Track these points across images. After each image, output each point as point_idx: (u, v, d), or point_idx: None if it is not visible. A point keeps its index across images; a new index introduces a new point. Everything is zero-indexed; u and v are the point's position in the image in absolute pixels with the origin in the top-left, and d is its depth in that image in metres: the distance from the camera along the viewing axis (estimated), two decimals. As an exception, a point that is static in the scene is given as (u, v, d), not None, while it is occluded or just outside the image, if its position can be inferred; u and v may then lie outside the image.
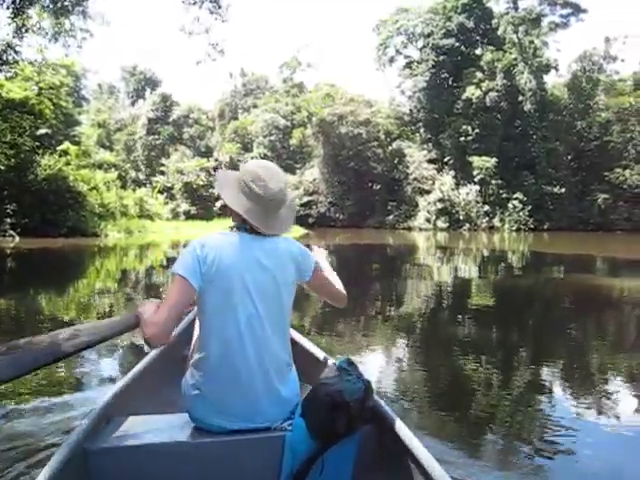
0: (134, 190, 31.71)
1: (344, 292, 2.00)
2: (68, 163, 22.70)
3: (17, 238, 18.56)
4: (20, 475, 2.29)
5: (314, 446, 1.65)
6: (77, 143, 26.26)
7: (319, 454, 1.65)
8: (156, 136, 45.53)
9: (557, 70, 40.97)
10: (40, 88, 21.02)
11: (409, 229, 37.93)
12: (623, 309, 7.39)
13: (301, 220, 34.13)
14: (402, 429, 1.68)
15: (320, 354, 2.38)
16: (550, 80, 41.37)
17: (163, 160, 41.35)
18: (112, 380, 3.66)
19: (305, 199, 40.17)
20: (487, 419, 3.13)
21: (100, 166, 28.87)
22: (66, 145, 24.16)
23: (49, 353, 1.68)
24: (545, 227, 36.65)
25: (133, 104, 52.14)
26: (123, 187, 29.98)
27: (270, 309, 1.73)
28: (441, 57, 40.88)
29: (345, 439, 1.66)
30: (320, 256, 2.14)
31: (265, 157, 42.65)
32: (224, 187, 1.83)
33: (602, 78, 41.10)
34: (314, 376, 1.94)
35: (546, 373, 4.12)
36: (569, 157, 39.40)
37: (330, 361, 2.17)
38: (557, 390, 3.75)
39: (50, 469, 1.45)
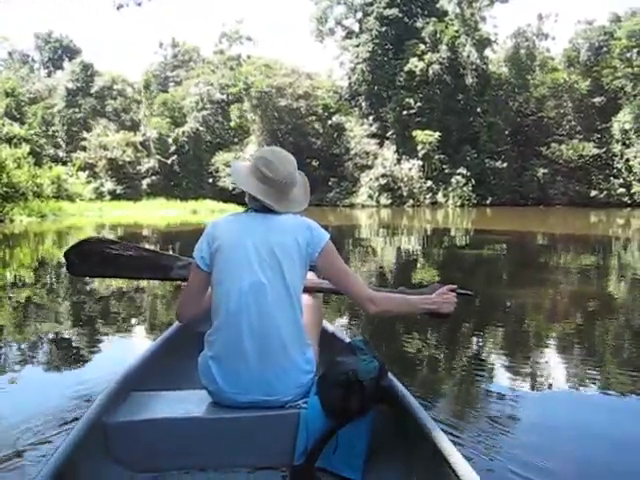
0: (51, 168, 28.74)
1: (366, 293, 1.89)
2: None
3: None
4: (40, 448, 2.22)
5: (328, 424, 1.67)
6: (-22, 114, 23.18)
7: (333, 432, 1.67)
8: (76, 109, 41.84)
9: (497, 44, 40.81)
10: None
11: (351, 206, 36.86)
12: (558, 283, 7.55)
13: (237, 198, 32.49)
14: (416, 409, 1.67)
15: (335, 333, 2.40)
16: (487, 55, 41.15)
17: (84, 134, 37.93)
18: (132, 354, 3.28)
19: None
20: (432, 388, 3.23)
21: (9, 140, 25.76)
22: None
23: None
24: (488, 202, 36.52)
25: (49, 74, 47.93)
26: (38, 164, 26.98)
27: (272, 280, 1.74)
28: (384, 28, 39.64)
29: (359, 418, 1.67)
30: None
31: (197, 132, 40.28)
32: (239, 175, 1.91)
33: (536, 54, 41.36)
34: (330, 355, 1.89)
35: (487, 343, 4.36)
36: (506, 132, 39.45)
37: (345, 340, 2.20)
38: (498, 358, 3.94)
39: (69, 442, 1.50)
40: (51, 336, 4.51)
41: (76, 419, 1.84)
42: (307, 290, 2.00)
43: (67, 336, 4.55)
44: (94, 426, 1.62)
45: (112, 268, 2.29)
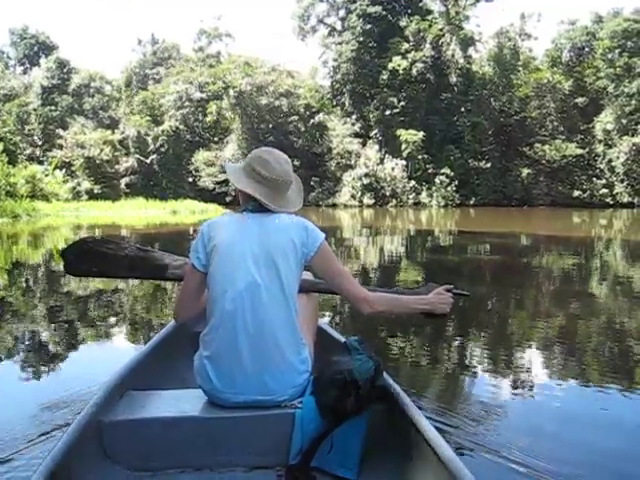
0: (26, 167, 27.85)
1: (361, 293, 1.88)
2: None
3: None
4: (36, 447, 2.20)
5: (323, 424, 1.68)
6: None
7: (328, 432, 1.68)
8: (53, 107, 40.75)
9: (481, 43, 40.76)
10: None
11: (334, 206, 36.50)
12: (541, 285, 7.63)
13: (217, 199, 31.97)
14: (411, 408, 1.68)
15: (331, 332, 2.41)
16: (470, 54, 41.04)
17: (61, 132, 36.89)
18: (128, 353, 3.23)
19: (221, 177, 37.31)
20: (426, 387, 3.22)
21: (-19, 139, 24.88)
22: None
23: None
24: (471, 202, 36.42)
25: (25, 71, 46.70)
26: (12, 163, 26.11)
27: (268, 280, 1.74)
28: (367, 26, 39.28)
29: (354, 418, 1.68)
30: None
31: (177, 131, 39.51)
32: (235, 176, 1.91)
33: (519, 54, 41.39)
34: (325, 355, 1.90)
35: (477, 342, 4.39)
36: (489, 132, 39.37)
37: (341, 340, 2.18)
38: (489, 356, 3.95)
39: (65, 441, 1.49)
40: (39, 337, 4.45)
41: (73, 417, 1.82)
42: (303, 290, 1.99)
43: (58, 336, 4.46)
44: (90, 425, 1.62)
45: (109, 268, 2.29)
